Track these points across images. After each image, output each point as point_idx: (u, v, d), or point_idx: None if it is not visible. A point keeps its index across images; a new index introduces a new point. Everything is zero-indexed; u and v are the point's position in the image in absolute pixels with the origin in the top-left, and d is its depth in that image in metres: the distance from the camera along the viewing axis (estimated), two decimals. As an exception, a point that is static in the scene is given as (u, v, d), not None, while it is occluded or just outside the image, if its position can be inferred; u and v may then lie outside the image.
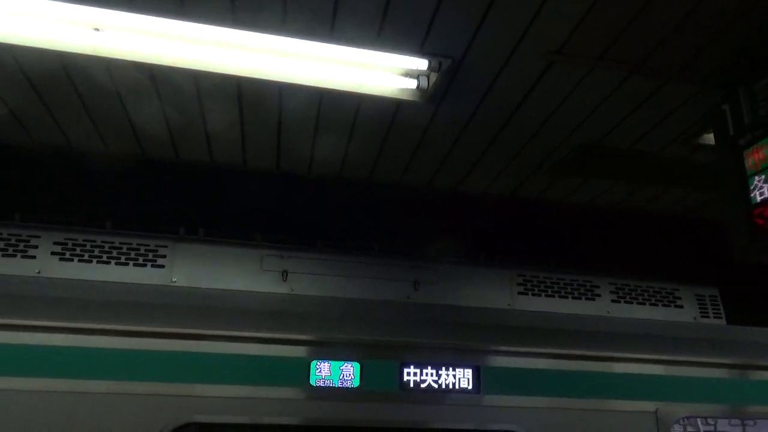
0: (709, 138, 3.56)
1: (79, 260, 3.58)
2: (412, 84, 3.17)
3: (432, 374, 3.58)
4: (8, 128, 3.74)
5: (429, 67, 3.07)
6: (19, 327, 3.09)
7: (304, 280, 3.88)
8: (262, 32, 2.85)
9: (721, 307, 4.60)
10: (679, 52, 2.97)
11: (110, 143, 3.91)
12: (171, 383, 3.18)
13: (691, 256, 5.02)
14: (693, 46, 2.93)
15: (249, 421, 3.32)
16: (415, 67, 3.07)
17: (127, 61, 2.88)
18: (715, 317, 4.55)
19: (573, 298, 4.34)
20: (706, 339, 4.25)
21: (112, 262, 3.62)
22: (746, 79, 3.00)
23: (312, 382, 3.37)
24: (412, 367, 3.56)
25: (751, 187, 2.84)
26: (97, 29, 2.74)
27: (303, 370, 3.38)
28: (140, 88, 3.27)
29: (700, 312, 4.53)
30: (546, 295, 4.30)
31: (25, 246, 3.54)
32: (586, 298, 4.37)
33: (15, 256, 3.50)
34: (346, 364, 3.46)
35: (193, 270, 3.72)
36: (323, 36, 2.89)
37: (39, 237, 3.57)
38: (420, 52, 2.99)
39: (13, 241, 3.53)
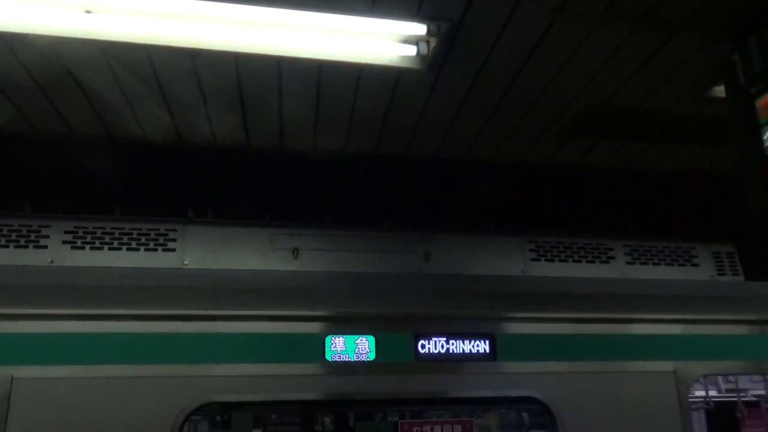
0: (720, 90, 3.48)
1: (91, 248, 3.60)
2: (412, 50, 3.10)
3: (447, 344, 3.57)
4: (11, 120, 3.74)
5: (428, 32, 3.00)
6: (38, 316, 3.13)
7: (315, 256, 3.88)
8: (256, 5, 2.80)
9: (738, 263, 4.54)
10: (686, 1, 2.87)
11: (112, 129, 3.90)
12: (188, 365, 3.21)
13: (705, 213, 4.95)
14: (699, -5, 2.84)
15: (267, 399, 3.35)
16: (413, 33, 3.00)
17: (121, 42, 2.85)
18: (732, 274, 4.50)
19: (587, 261, 4.31)
20: (724, 296, 4.21)
21: (124, 248, 3.64)
22: (756, 27, 2.91)
23: (328, 357, 3.39)
24: (426, 338, 3.56)
25: (765, 137, 2.78)
26: (88, 11, 2.71)
27: (318, 345, 3.40)
28: (136, 71, 3.24)
29: (717, 270, 4.48)
30: (560, 260, 4.28)
31: (36, 236, 3.57)
32: (601, 261, 4.34)
33: (27, 246, 3.53)
34: (360, 337, 3.47)
35: (204, 252, 3.74)
36: (317, 5, 2.83)
37: (49, 227, 3.60)
38: (417, 16, 2.92)
39: (24, 232, 3.57)
